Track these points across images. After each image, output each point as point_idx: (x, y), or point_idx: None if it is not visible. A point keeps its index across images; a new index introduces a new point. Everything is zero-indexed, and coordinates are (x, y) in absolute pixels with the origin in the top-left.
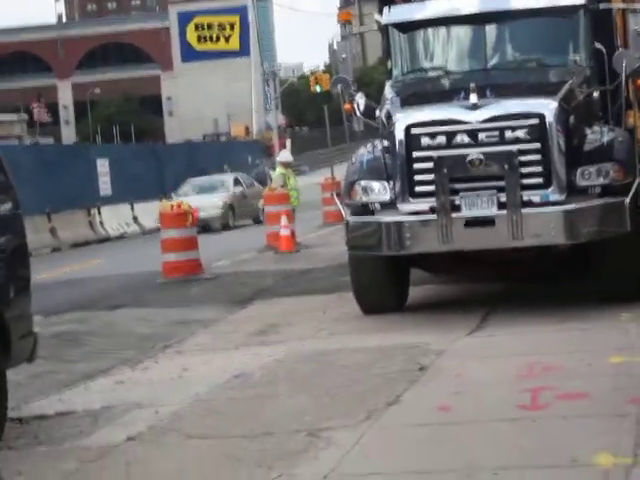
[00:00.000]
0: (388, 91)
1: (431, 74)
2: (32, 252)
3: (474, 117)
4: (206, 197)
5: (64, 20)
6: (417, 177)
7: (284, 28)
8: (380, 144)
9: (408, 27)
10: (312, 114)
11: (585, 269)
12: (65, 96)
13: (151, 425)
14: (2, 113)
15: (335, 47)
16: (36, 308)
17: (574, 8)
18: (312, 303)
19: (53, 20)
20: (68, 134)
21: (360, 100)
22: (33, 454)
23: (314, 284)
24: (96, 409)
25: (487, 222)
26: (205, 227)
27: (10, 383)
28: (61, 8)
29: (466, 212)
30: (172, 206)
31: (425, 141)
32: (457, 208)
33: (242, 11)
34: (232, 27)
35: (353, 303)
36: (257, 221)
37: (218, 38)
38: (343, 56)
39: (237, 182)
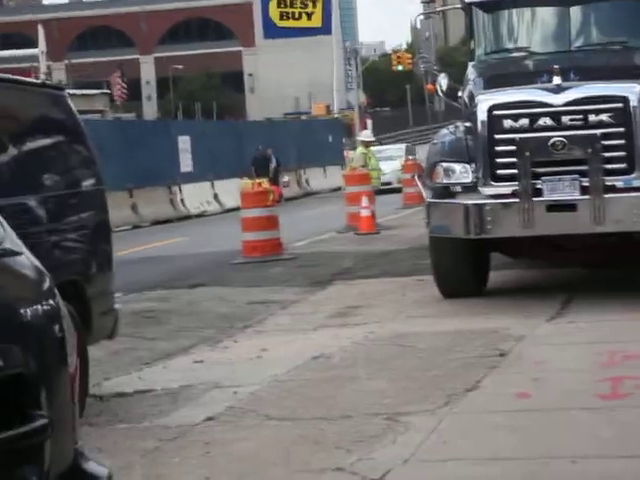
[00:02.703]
0: (470, 72)
1: (514, 55)
2: (113, 228)
3: (557, 100)
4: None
5: None
6: (499, 160)
7: (366, 5)
8: (462, 126)
9: (492, 7)
10: (393, 93)
11: None
12: (147, 71)
13: (230, 405)
14: (85, 88)
15: (418, 25)
16: (117, 285)
17: None
18: (391, 285)
19: None
20: (150, 110)
21: (443, 80)
22: (113, 432)
23: (394, 266)
24: (175, 388)
25: (569, 207)
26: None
27: (91, 360)
28: None
29: (548, 196)
30: (253, 184)
31: (507, 123)
32: (539, 192)
33: None
34: (314, 4)
35: (433, 286)
36: None
37: (300, 15)
38: (426, 35)
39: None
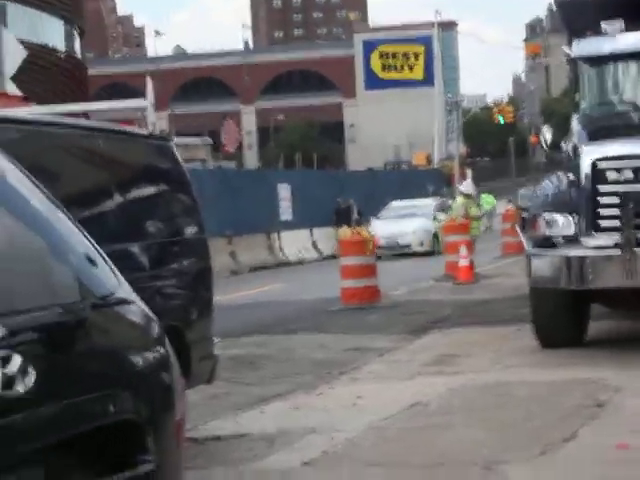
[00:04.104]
0: (575, 124)
1: (619, 108)
2: (213, 274)
3: None
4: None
5: (251, 46)
6: (602, 212)
7: (468, 58)
8: (565, 177)
9: (597, 60)
10: (493, 145)
11: None
12: (249, 121)
13: (326, 451)
14: (188, 136)
15: (523, 79)
16: (215, 330)
17: None
18: (489, 334)
19: (240, 46)
20: (250, 159)
21: (547, 133)
22: (209, 475)
23: (492, 315)
24: (271, 433)
25: None
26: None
27: (188, 403)
28: (248, 35)
29: None
30: (352, 233)
31: (611, 176)
32: None
33: (427, 40)
34: (417, 57)
35: (530, 335)
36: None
37: (402, 67)
38: (531, 88)
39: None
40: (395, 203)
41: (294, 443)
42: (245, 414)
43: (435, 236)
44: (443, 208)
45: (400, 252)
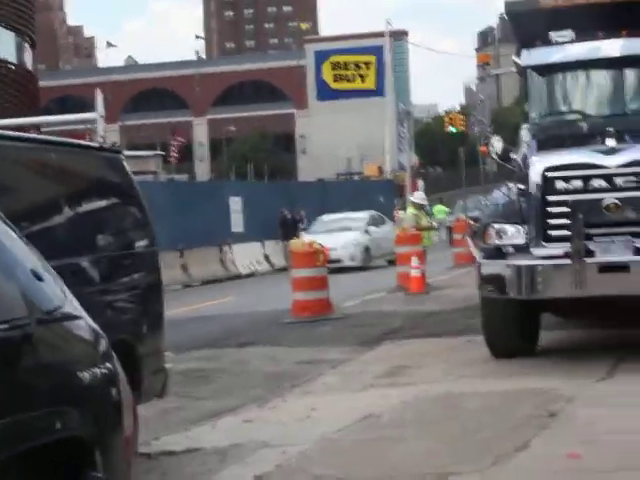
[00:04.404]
0: (525, 134)
1: (569, 118)
2: (164, 288)
3: (611, 162)
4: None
5: (203, 57)
6: (552, 221)
7: (420, 68)
8: (515, 187)
9: (547, 70)
10: (445, 154)
11: None
12: (200, 133)
13: (279, 464)
14: (138, 149)
15: (474, 88)
16: (166, 344)
17: None
18: (441, 345)
19: (192, 57)
20: (202, 171)
21: (497, 143)
22: None
23: (443, 326)
24: (224, 447)
25: (622, 268)
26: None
27: (139, 418)
28: (200, 46)
29: (600, 257)
30: (303, 245)
31: (561, 185)
32: (591, 253)
33: (378, 50)
34: (368, 66)
35: (482, 346)
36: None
37: (354, 77)
38: (481, 97)
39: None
40: (326, 217)
41: (247, 457)
42: (197, 429)
43: (367, 250)
44: (376, 221)
45: (331, 267)
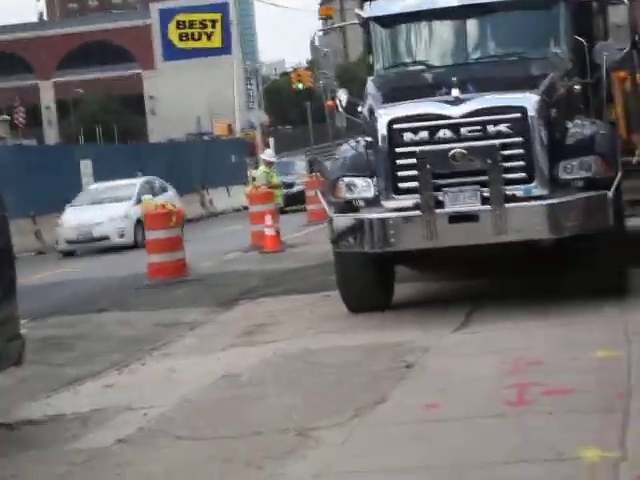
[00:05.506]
0: (370, 86)
1: (413, 69)
2: (16, 255)
3: (456, 111)
4: (106, 208)
5: (45, 19)
6: (400, 173)
7: (265, 24)
8: (363, 140)
9: (389, 21)
10: (295, 112)
11: (569, 262)
12: (47, 96)
13: (140, 427)
14: None
15: (316, 42)
16: (21, 311)
17: (554, 1)
18: (299, 302)
19: (34, 19)
20: (51, 135)
21: (342, 96)
22: (23, 459)
23: (300, 283)
24: (85, 412)
25: (471, 217)
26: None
27: None
28: (42, 7)
29: (450, 208)
30: (156, 206)
31: (407, 136)
32: (441, 204)
33: (224, 8)
34: (214, 24)
35: (339, 302)
36: None
37: (200, 36)
38: (325, 50)
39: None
40: (94, 186)
41: (108, 421)
42: (58, 395)
43: (139, 223)
44: (152, 188)
45: (98, 247)
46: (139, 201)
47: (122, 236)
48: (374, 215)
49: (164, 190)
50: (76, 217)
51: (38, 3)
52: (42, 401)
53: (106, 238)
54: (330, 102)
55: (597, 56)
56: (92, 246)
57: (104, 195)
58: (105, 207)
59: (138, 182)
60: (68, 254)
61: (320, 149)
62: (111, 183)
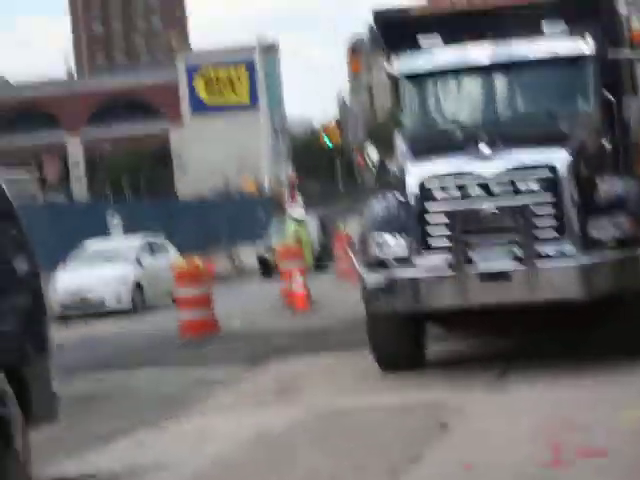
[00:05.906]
0: (399, 142)
1: (442, 125)
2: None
3: (487, 169)
4: (101, 269)
5: (74, 75)
6: (431, 230)
7: (292, 81)
8: (393, 197)
9: (418, 77)
10: (322, 168)
11: (601, 317)
12: (75, 152)
13: None
14: (13, 169)
15: (346, 101)
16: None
17: (582, 58)
18: (330, 361)
19: (63, 75)
20: (79, 191)
21: (372, 153)
22: None
23: (331, 342)
24: (117, 471)
25: (502, 276)
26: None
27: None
28: (71, 63)
29: (481, 266)
30: (186, 263)
31: (438, 194)
32: (472, 262)
33: (250, 63)
34: (240, 80)
35: (372, 361)
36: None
37: (227, 92)
38: (354, 109)
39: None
40: (90, 244)
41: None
42: (91, 453)
43: (139, 287)
44: (153, 248)
45: (93, 311)
46: (138, 262)
47: (120, 302)
48: (404, 274)
49: (165, 250)
50: (68, 281)
51: (67, 60)
52: (74, 458)
53: (102, 303)
54: (360, 159)
55: (626, 112)
56: (89, 311)
57: (99, 255)
58: (100, 269)
59: (139, 241)
60: (63, 319)
61: (348, 205)
62: (108, 242)
